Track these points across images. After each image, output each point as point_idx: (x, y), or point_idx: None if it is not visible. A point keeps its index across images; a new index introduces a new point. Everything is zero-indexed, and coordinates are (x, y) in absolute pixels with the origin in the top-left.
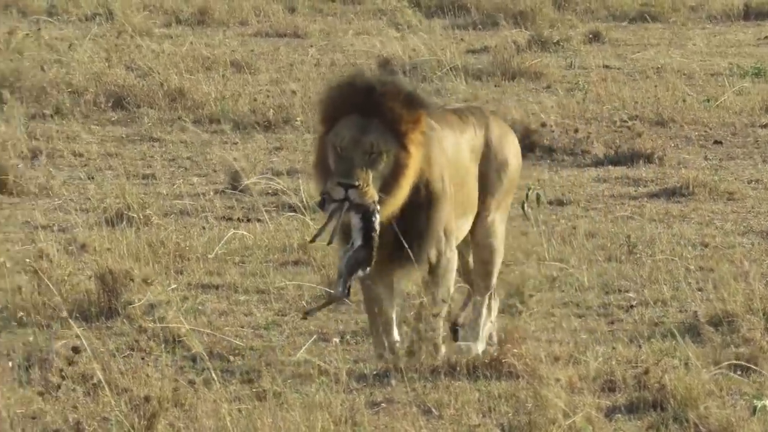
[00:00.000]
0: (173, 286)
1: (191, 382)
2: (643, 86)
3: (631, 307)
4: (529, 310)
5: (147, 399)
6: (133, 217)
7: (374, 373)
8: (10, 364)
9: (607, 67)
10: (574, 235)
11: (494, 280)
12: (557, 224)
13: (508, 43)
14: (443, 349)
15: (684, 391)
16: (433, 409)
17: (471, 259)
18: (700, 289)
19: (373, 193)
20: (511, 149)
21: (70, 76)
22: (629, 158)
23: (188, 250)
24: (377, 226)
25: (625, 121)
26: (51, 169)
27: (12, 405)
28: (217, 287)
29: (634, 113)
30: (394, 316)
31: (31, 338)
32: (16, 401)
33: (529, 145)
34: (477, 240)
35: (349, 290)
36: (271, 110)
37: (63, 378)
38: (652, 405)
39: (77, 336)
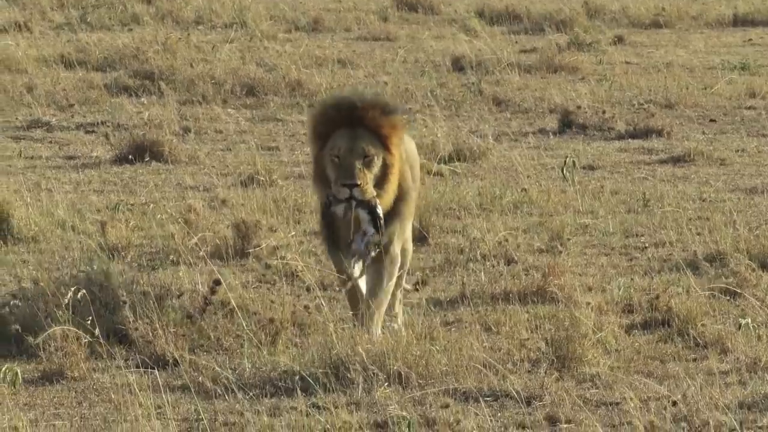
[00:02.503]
0: (292, 233)
1: (306, 307)
2: (656, 78)
3: (646, 247)
4: (567, 250)
5: (271, 320)
6: (261, 179)
7: (447, 299)
8: (167, 293)
9: (628, 63)
10: (602, 192)
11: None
12: (589, 184)
13: (552, 45)
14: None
15: (686, 312)
16: (492, 327)
17: None
18: (698, 234)
19: (372, 190)
20: (414, 154)
21: (213, 71)
22: (644, 133)
23: (304, 205)
24: (381, 214)
25: (642, 105)
26: (197, 143)
27: (167, 325)
28: None
29: (649, 98)
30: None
31: (181, 274)
32: (169, 322)
33: (568, 123)
34: None
35: (364, 267)
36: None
37: (206, 304)
38: (662, 323)
39: (218, 272)
